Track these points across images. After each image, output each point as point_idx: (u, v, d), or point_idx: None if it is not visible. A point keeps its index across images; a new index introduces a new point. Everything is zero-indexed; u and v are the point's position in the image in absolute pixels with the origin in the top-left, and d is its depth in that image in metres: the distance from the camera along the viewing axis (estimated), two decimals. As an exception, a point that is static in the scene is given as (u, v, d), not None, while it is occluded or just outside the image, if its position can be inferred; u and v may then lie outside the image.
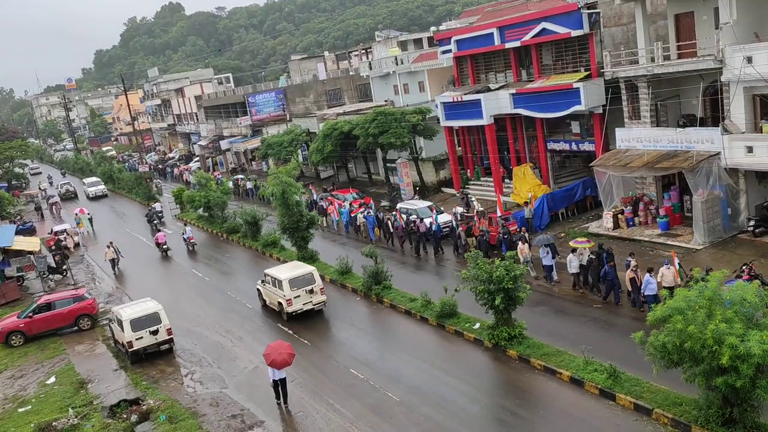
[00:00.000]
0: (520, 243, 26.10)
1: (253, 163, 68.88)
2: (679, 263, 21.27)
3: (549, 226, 31.56)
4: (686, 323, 13.56)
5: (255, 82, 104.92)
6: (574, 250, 23.88)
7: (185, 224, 45.37)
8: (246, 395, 20.46)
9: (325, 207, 41.33)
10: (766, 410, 13.88)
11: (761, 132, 24.75)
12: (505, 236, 26.92)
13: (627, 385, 16.81)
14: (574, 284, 24.00)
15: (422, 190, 43.13)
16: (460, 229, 30.10)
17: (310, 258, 32.81)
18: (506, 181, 38.24)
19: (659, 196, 29.76)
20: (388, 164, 46.17)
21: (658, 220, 28.51)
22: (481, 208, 34.36)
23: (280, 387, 19.23)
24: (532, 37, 34.46)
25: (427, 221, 32.63)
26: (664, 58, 27.78)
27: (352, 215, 38.48)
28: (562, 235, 29.57)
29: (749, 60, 23.83)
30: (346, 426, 17.73)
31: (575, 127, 35.01)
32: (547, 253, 24.81)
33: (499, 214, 30.99)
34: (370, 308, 26.56)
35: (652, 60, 27.93)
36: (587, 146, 33.79)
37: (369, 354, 22.16)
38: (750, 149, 24.54)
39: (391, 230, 34.29)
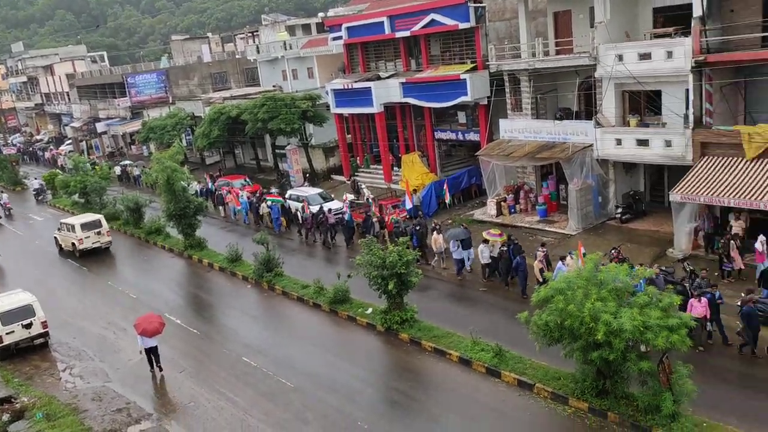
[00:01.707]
0: (434, 233, 26.34)
1: (133, 147, 65.59)
2: (584, 252, 22.46)
3: (436, 214, 32.47)
4: (566, 303, 14.54)
5: (132, 61, 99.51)
6: (485, 242, 24.44)
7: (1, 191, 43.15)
8: (131, 388, 19.65)
9: (223, 196, 39.67)
10: (633, 381, 15.14)
11: (629, 126, 26.79)
12: (417, 228, 27.09)
13: (511, 363, 17.77)
14: (484, 275, 24.36)
15: (312, 177, 42.98)
16: (374, 219, 29.97)
17: (197, 246, 31.85)
18: (395, 168, 38.91)
19: (538, 185, 31.47)
20: (277, 150, 45.61)
21: (537, 207, 30.17)
22: (372, 196, 34.80)
23: (152, 354, 20.14)
24: (422, 27, 35.19)
25: (317, 207, 32.57)
26: (544, 53, 29.32)
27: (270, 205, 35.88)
28: (449, 221, 30.54)
29: (620, 58, 25.66)
30: (240, 414, 17.50)
31: (462, 117, 36.21)
32: (458, 246, 24.97)
33: (408, 206, 31.05)
34: (262, 296, 26.24)
35: (533, 55, 29.40)
36: (473, 136, 35.06)
37: (261, 341, 21.93)
38: (619, 142, 26.49)
39: (300, 220, 33.43)
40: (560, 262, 21.24)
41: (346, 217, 30.56)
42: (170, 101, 62.69)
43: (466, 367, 18.46)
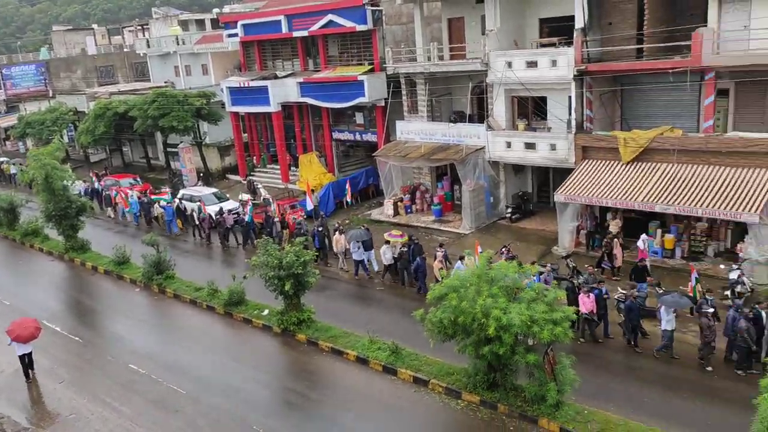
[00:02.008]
0: (336, 234, 26.18)
1: (7, 142, 61.11)
2: (481, 251, 23.00)
3: (334, 214, 32.49)
4: (460, 300, 14.96)
5: (8, 52, 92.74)
6: (387, 242, 24.52)
7: None
8: (6, 401, 18.28)
9: (111, 196, 37.55)
10: (521, 373, 15.80)
11: (518, 129, 27.98)
12: (320, 228, 26.80)
13: (407, 360, 18.06)
14: (388, 276, 24.39)
15: (206, 177, 41.80)
16: (276, 219, 29.34)
17: (80, 248, 30.11)
18: (293, 168, 38.56)
19: (434, 185, 32.23)
20: (169, 149, 44.00)
21: (432, 207, 30.88)
22: (268, 195, 34.30)
23: (27, 360, 19.22)
24: (320, 27, 35.11)
25: (214, 208, 31.69)
26: (439, 58, 30.07)
27: (163, 206, 34.12)
28: (347, 222, 30.63)
29: (509, 65, 26.76)
30: (126, 425, 16.69)
31: (359, 118, 36.44)
32: (358, 248, 24.85)
33: (309, 207, 30.74)
34: (152, 299, 25.20)
35: (429, 59, 30.07)
36: (370, 137, 35.37)
37: (150, 347, 21.04)
38: (509, 144, 27.61)
39: (197, 222, 32.06)
40: (459, 262, 21.81)
41: (247, 218, 29.90)
42: (50, 95, 58.98)
43: (364, 365, 18.56)
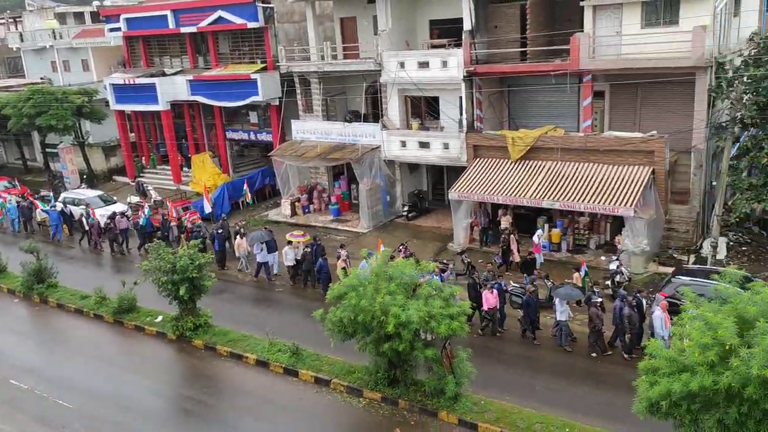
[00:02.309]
0: (238, 237, 25.42)
1: None
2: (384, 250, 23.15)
3: (230, 215, 31.76)
4: (359, 298, 15.09)
5: None
6: (290, 243, 24.11)
7: None
8: None
9: None
10: (421, 368, 16.18)
11: (411, 129, 28.54)
12: (219, 231, 25.97)
13: (308, 361, 18.02)
14: (291, 277, 24.02)
15: (90, 179, 39.64)
16: (173, 222, 28.07)
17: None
18: (185, 169, 37.33)
19: (331, 185, 32.26)
20: (48, 149, 41.30)
21: (330, 207, 30.90)
22: (159, 197, 33.04)
23: None
24: (209, 24, 34.18)
25: (104, 211, 30.11)
26: (333, 57, 30.12)
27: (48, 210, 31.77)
28: (243, 223, 30.04)
29: (402, 65, 27.25)
30: (8, 445, 15.61)
31: (253, 117, 35.84)
32: (261, 249, 24.33)
33: (207, 209, 29.75)
34: (32, 310, 23.64)
35: (322, 58, 30.05)
36: (265, 136, 34.87)
37: (33, 361, 19.75)
38: (404, 143, 28.12)
39: (86, 228, 29.92)
40: (364, 261, 21.83)
41: (141, 221, 28.56)
42: None
43: (264, 368, 18.33)
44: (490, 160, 25.50)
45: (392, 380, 16.42)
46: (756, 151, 20.04)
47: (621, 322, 17.28)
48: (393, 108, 28.70)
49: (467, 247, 25.19)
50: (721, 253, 21.11)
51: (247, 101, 33.30)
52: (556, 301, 18.13)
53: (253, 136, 35.79)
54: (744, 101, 20.44)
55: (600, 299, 18.01)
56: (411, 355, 15.38)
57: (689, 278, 17.94)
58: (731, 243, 22.88)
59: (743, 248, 23.10)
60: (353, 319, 15.16)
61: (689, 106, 22.30)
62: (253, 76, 32.57)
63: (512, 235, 23.27)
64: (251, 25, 32.86)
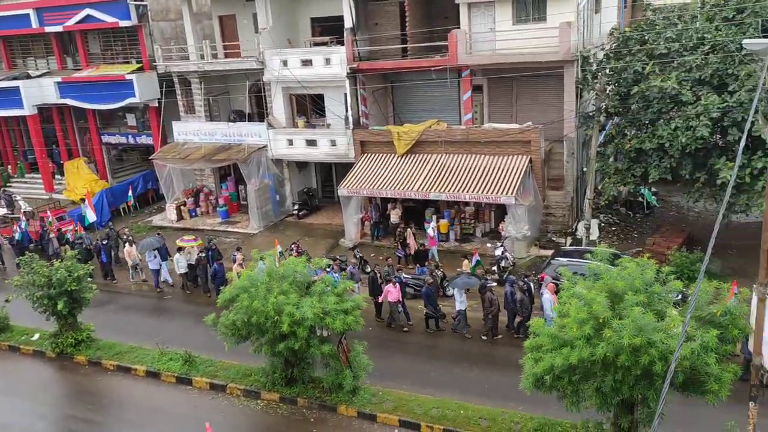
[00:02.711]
0: (127, 245, 24.09)
1: None
2: (281, 251, 22.68)
3: (111, 222, 30.20)
4: (251, 299, 14.87)
5: None
6: (180, 250, 23.03)
7: None
8: None
9: None
10: (318, 365, 16.18)
11: (298, 127, 28.39)
12: (105, 242, 24.40)
13: (202, 368, 17.54)
14: (183, 285, 23.07)
15: (-51, 192, 36.33)
16: (52, 234, 26.01)
17: None
18: (58, 177, 35.09)
19: (217, 187, 31.47)
20: None
21: (218, 209, 30.15)
22: (29, 208, 30.87)
23: None
24: (76, 23, 32.29)
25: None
26: (213, 56, 29.38)
27: None
28: (126, 230, 28.70)
29: (285, 63, 27.03)
30: None
31: (131, 119, 34.27)
32: (155, 256, 23.14)
33: (92, 218, 27.86)
34: None
35: (202, 57, 29.23)
36: (145, 139, 33.44)
37: None
38: (291, 142, 27.93)
39: None
40: (260, 262, 21.36)
41: (17, 236, 26.44)
42: None
43: (155, 379, 17.65)
44: (377, 155, 25.84)
45: (290, 379, 16.32)
46: (620, 138, 21.55)
47: (513, 305, 18.06)
48: (278, 106, 28.41)
49: (359, 242, 25.41)
50: (594, 234, 22.58)
51: (123, 103, 31.78)
52: (455, 291, 18.64)
53: (132, 140, 34.21)
54: (607, 92, 21.98)
55: (494, 284, 18.76)
56: (307, 352, 15.34)
57: (567, 259, 19.09)
58: (602, 224, 24.52)
59: (613, 228, 24.85)
60: (247, 321, 14.93)
61: (560, 98, 23.67)
62: (128, 77, 31.12)
63: (409, 229, 23.72)
64: (123, 23, 31.37)
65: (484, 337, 18.33)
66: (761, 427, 12.43)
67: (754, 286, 12.35)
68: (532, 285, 18.54)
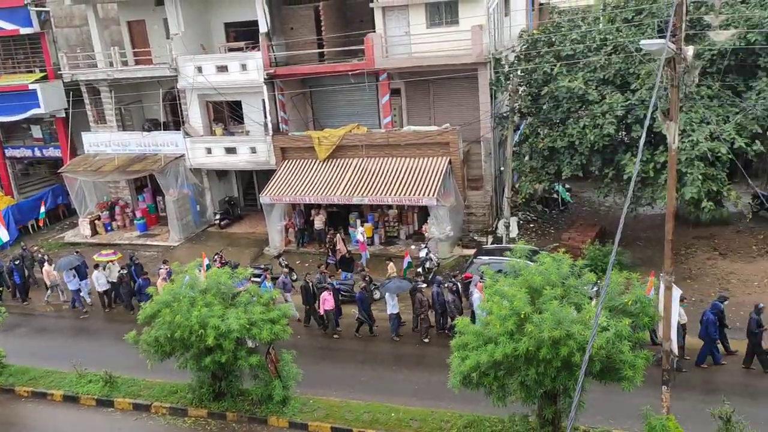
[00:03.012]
0: (46, 264, 22.77)
1: None
2: (208, 263, 22.02)
3: (18, 242, 28.66)
4: (174, 314, 14.48)
5: None
6: (97, 266, 21.89)
7: None
8: None
9: None
10: (246, 377, 15.93)
11: (216, 135, 27.85)
12: (16, 262, 22.93)
13: (124, 388, 16.93)
14: (104, 304, 21.99)
15: None
16: None
17: None
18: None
19: (134, 199, 30.42)
20: None
21: (135, 222, 29.15)
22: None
23: None
24: (-28, 30, 30.45)
25: None
26: (123, 63, 28.38)
27: None
28: (35, 248, 27.27)
29: (199, 69, 26.45)
30: None
31: (36, 131, 32.54)
32: (74, 276, 21.98)
33: (5, 237, 26.01)
34: None
35: (111, 64, 28.19)
36: (53, 152, 31.86)
37: None
38: (209, 150, 27.35)
39: None
40: (187, 276, 20.66)
41: None
42: None
43: (74, 404, 16.89)
44: (298, 161, 25.69)
45: (218, 394, 15.99)
46: (533, 137, 22.31)
47: (441, 306, 18.28)
48: (194, 114, 27.76)
49: (284, 250, 25.18)
50: (513, 232, 23.26)
51: (27, 114, 30.20)
52: (387, 295, 18.73)
53: (38, 153, 32.53)
54: (519, 93, 22.71)
55: (424, 285, 18.98)
56: (235, 365, 15.09)
57: (488, 257, 19.60)
58: (521, 221, 25.28)
59: (531, 225, 25.70)
60: (170, 337, 14.53)
61: (475, 99, 24.26)
62: (31, 87, 29.62)
63: (338, 234, 23.67)
64: (24, 30, 29.83)
65: (426, 340, 18.43)
66: (673, 409, 13.16)
67: (661, 274, 13.08)
68: (459, 285, 18.88)
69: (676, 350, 13.93)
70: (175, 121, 29.31)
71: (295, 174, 25.18)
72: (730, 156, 17.89)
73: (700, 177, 17.79)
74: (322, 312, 19.19)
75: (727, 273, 20.12)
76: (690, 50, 12.23)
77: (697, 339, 15.94)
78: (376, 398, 15.75)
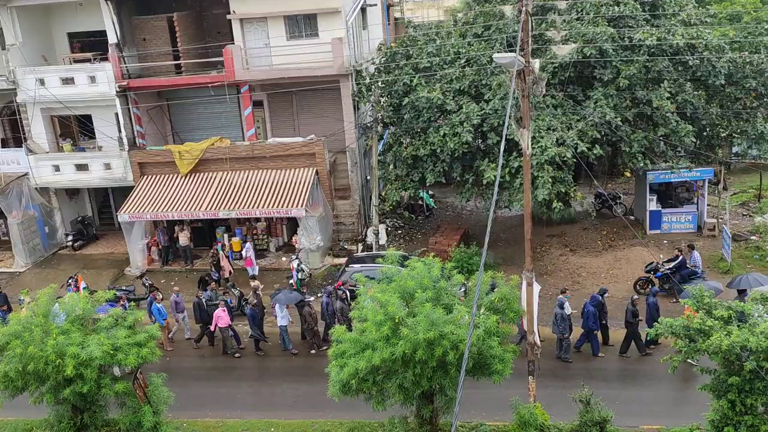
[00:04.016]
0: None
1: None
2: (85, 286, 20.30)
3: None
4: (26, 346, 13.29)
5: None
6: None
7: None
8: None
9: None
10: (112, 406, 14.93)
11: (64, 151, 25.99)
12: None
13: (-31, 432, 15.30)
14: None
15: None
16: None
17: None
18: None
19: (-31, 224, 27.60)
20: None
21: (-28, 249, 26.46)
22: None
23: None
24: None
25: None
26: (-49, 75, 25.75)
27: None
28: None
29: (42, 82, 24.58)
30: None
31: None
32: None
33: None
34: None
35: (-62, 77, 25.49)
36: None
37: None
38: (57, 168, 25.42)
39: None
40: (57, 305, 18.91)
41: None
42: None
43: None
44: (158, 176, 24.61)
45: (79, 428, 14.79)
46: (397, 146, 22.97)
47: (331, 316, 18.19)
48: (38, 130, 25.70)
49: (147, 269, 23.98)
50: (383, 239, 23.75)
51: None
52: (276, 306, 18.38)
53: None
54: (381, 104, 23.32)
55: (312, 298, 18.82)
56: (98, 394, 14.08)
57: (360, 265, 19.87)
58: (389, 228, 25.88)
59: (399, 231, 26.37)
60: (22, 371, 13.31)
61: (339, 110, 24.54)
62: None
63: (221, 251, 22.84)
64: None
65: (312, 351, 18.26)
66: (539, 397, 14.06)
67: (523, 272, 13.95)
68: (348, 292, 18.86)
69: (539, 342, 14.89)
70: (16, 137, 26.98)
71: (155, 190, 24.09)
72: (574, 160, 19.49)
73: (550, 180, 19.20)
74: (213, 328, 18.53)
75: (578, 267, 21.81)
76: (536, 63, 13.23)
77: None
78: (253, 414, 15.44)
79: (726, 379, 12.01)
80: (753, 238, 22.63)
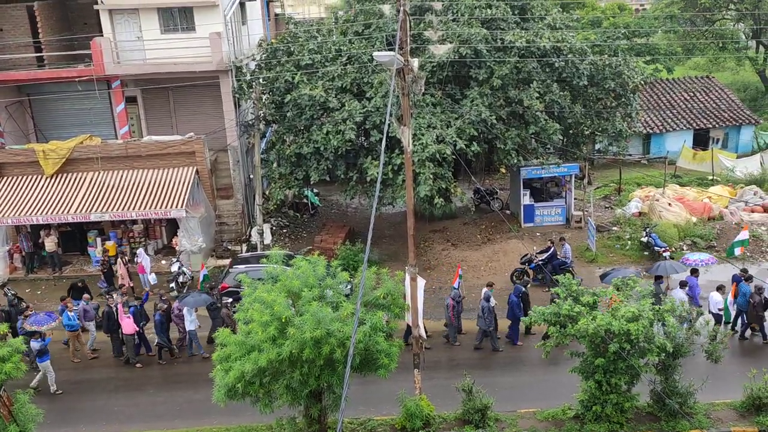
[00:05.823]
0: None
1: None
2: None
3: None
4: None
5: None
6: None
7: None
8: None
9: None
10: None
11: None
12: None
13: None
14: None
15: None
16: None
17: None
18: None
19: None
20: None
21: None
22: None
23: None
24: None
25: None
26: None
27: None
28: None
29: None
30: None
31: None
32: None
33: None
34: None
35: None
36: None
37: None
38: None
39: None
40: None
41: None
42: None
43: None
44: (20, 177, 22.82)
45: (-65, 455, 13.55)
46: (280, 144, 22.67)
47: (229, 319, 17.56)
48: None
49: (9, 278, 22.21)
50: (268, 238, 23.41)
51: None
52: (185, 310, 17.54)
53: None
54: (263, 101, 22.94)
55: (230, 300, 18.10)
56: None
57: (244, 266, 19.46)
58: (274, 228, 25.53)
59: (284, 230, 26.09)
60: None
61: (219, 108, 23.89)
62: None
63: (120, 258, 21.42)
64: None
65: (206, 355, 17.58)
66: (425, 389, 14.43)
67: (407, 267, 14.24)
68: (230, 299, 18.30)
69: (425, 335, 15.27)
70: None
71: (17, 192, 22.34)
72: (454, 156, 20.14)
73: (431, 176, 19.73)
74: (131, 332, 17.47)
75: (459, 260, 22.61)
76: (415, 62, 13.53)
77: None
78: (132, 426, 14.77)
79: (593, 361, 12.95)
80: (614, 228, 24.42)
